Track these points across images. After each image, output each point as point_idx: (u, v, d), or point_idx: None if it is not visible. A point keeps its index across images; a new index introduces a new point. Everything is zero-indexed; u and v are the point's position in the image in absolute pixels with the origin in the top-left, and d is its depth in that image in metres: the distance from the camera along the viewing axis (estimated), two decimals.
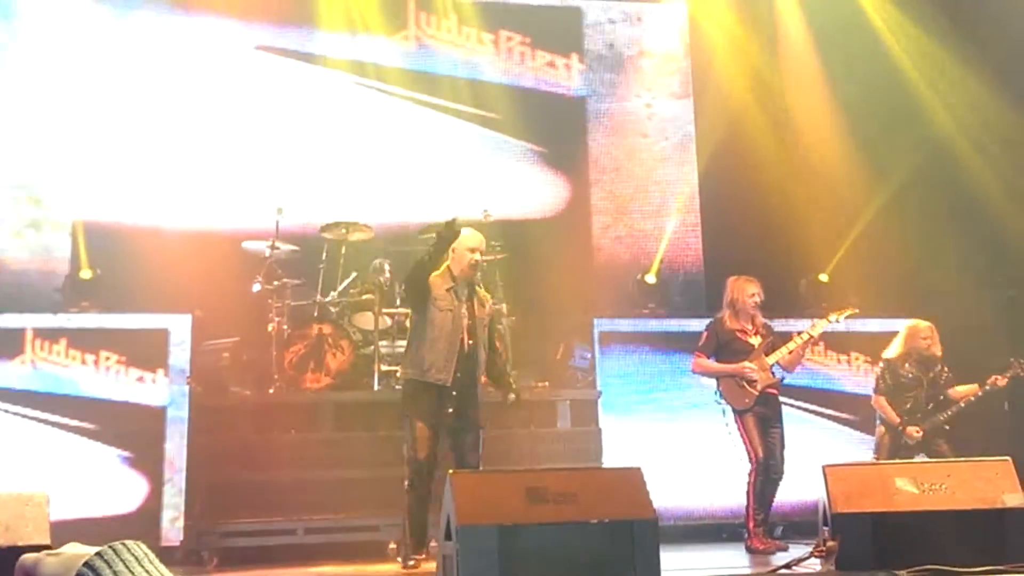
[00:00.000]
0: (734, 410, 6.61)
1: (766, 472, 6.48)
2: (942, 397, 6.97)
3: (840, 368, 8.19)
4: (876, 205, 8.71)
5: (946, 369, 7.03)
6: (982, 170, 8.54)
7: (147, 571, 1.43)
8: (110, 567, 1.37)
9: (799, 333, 6.75)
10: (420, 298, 5.81)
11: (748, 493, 6.49)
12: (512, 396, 5.92)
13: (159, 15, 9.11)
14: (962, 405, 6.91)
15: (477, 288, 6.02)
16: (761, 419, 6.54)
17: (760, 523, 6.44)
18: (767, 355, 6.62)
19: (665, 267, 9.28)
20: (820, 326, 6.77)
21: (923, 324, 7.02)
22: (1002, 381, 6.89)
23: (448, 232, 5.71)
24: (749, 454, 6.54)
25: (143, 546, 1.74)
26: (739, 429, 6.59)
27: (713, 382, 6.75)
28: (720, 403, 6.66)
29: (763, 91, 9.69)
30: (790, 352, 6.64)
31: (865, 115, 9.11)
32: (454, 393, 5.68)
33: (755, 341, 6.67)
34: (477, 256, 5.83)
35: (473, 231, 5.97)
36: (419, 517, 5.70)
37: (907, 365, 6.96)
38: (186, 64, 9.07)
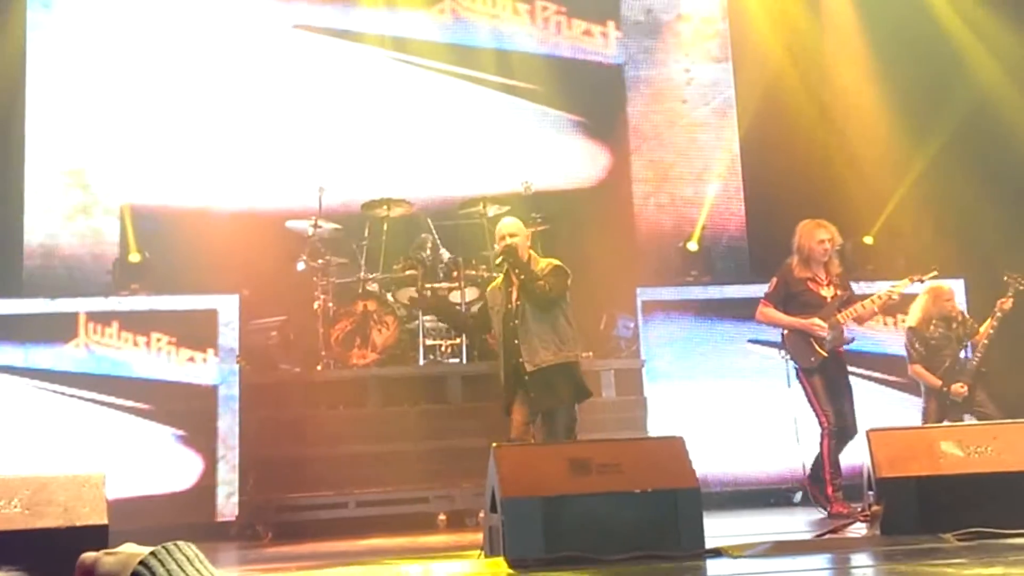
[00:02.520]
0: (799, 368, 6.23)
1: (840, 436, 6.12)
2: (970, 344, 6.94)
3: (886, 331, 8.11)
4: (920, 165, 8.57)
5: (966, 317, 6.98)
6: (1023, 131, 8.36)
7: (198, 571, 1.52)
8: (163, 565, 1.47)
9: (879, 294, 6.27)
10: (486, 325, 6.11)
11: (823, 457, 6.13)
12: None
13: None
14: (986, 342, 6.85)
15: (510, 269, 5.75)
16: (829, 380, 6.14)
17: (838, 487, 6.06)
18: (839, 311, 6.15)
19: (708, 234, 9.23)
20: (900, 287, 6.29)
21: (945, 287, 6.94)
22: (1007, 303, 6.77)
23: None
24: (818, 417, 6.16)
25: (193, 547, 1.82)
26: (805, 389, 6.21)
27: (763, 348, 6.59)
28: (784, 358, 6.31)
29: (803, 52, 9.55)
30: (864, 309, 6.17)
31: (907, 75, 8.94)
32: (525, 379, 5.57)
33: (827, 293, 6.18)
34: (505, 242, 5.71)
35: (508, 218, 6.02)
36: None
37: (932, 327, 6.89)
38: (226, 45, 9.15)
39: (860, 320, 6.26)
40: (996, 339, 6.78)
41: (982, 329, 6.94)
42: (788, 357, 6.26)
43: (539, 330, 5.58)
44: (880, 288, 6.62)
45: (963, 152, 8.54)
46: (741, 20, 9.93)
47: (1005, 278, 6.80)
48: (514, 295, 5.68)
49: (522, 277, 5.64)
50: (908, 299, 6.91)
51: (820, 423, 6.15)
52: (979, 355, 6.87)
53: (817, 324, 6.08)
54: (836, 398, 6.13)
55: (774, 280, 6.30)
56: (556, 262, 5.72)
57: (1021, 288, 6.77)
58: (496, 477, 4.30)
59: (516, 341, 5.59)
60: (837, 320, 6.12)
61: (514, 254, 5.68)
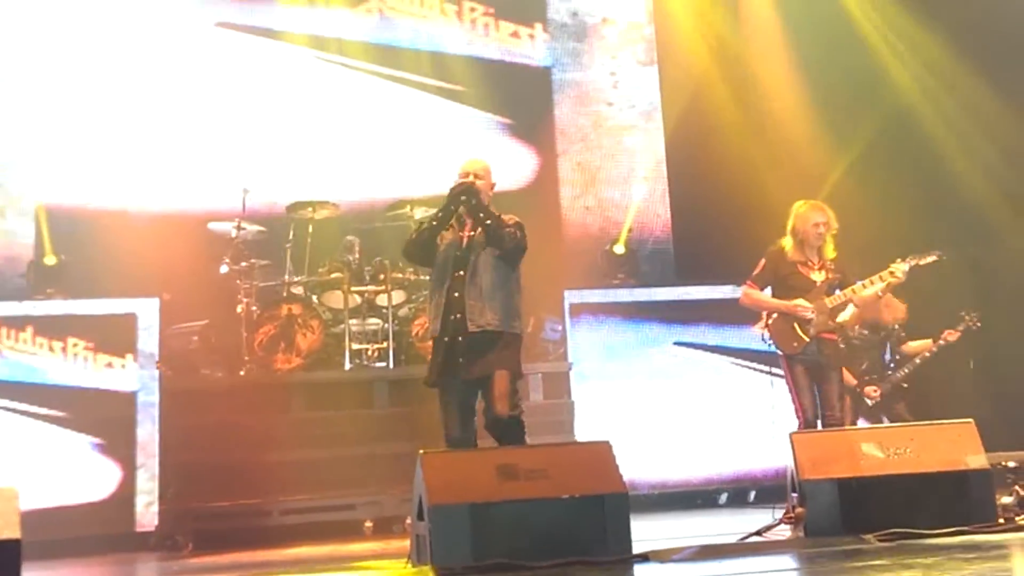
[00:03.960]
0: (782, 355, 5.86)
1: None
2: (898, 356, 7.09)
3: None
4: (840, 169, 8.74)
5: (897, 327, 7.13)
6: (942, 132, 8.60)
7: None
8: None
9: (879, 275, 5.84)
10: (424, 263, 5.20)
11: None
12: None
13: None
14: (917, 362, 7.02)
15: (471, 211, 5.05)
16: (812, 369, 5.77)
17: None
18: (828, 295, 5.81)
19: (634, 236, 9.29)
20: (906, 265, 5.82)
21: (892, 298, 7.04)
22: (953, 335, 6.99)
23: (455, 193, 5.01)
24: (796, 411, 5.78)
25: None
26: (787, 378, 5.84)
27: (689, 350, 6.52)
28: (767, 343, 5.91)
29: (726, 57, 9.68)
30: (856, 295, 5.80)
31: (827, 80, 9.13)
32: (460, 339, 4.87)
33: (818, 277, 5.84)
34: (470, 176, 5.07)
35: (469, 157, 5.33)
36: None
37: (857, 328, 7.02)
38: (147, 42, 8.92)
39: (859, 305, 5.89)
40: (936, 366, 6.90)
41: (913, 344, 7.07)
42: (771, 343, 5.90)
43: (490, 289, 4.93)
44: None
45: (884, 153, 8.74)
46: (666, 24, 10.03)
47: (962, 313, 6.97)
48: (464, 241, 5.02)
49: (487, 221, 4.95)
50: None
51: (797, 417, 5.78)
52: (906, 370, 7.01)
53: (802, 306, 5.76)
54: (821, 389, 5.76)
55: (762, 262, 5.98)
56: (516, 218, 5.12)
57: (973, 328, 6.94)
58: (423, 484, 4.27)
59: (458, 294, 4.92)
60: (824, 303, 5.78)
61: (477, 194, 5.00)
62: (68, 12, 8.80)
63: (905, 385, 7.06)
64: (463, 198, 5.01)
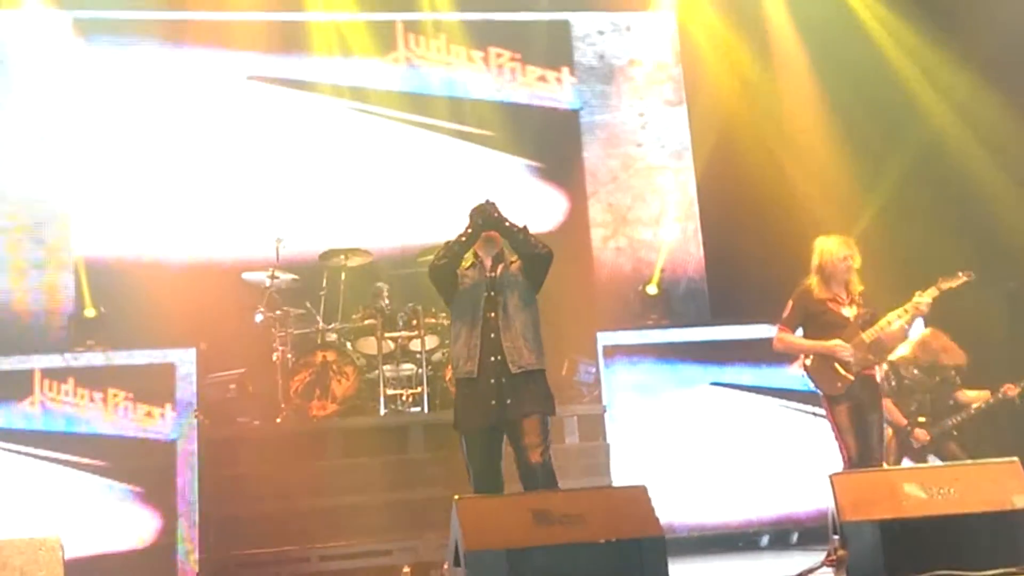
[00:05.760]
0: (824, 395, 5.73)
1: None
2: (951, 401, 6.94)
3: None
4: (875, 204, 8.69)
5: (954, 372, 6.99)
6: (979, 164, 8.53)
7: None
8: None
9: (904, 307, 5.72)
10: (448, 288, 5.17)
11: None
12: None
13: (151, 50, 9.17)
14: (972, 411, 6.87)
15: (504, 251, 5.22)
16: (856, 408, 5.64)
17: None
18: (863, 330, 5.68)
19: (667, 276, 9.29)
20: (929, 295, 5.68)
21: (946, 338, 6.89)
22: (1014, 391, 6.78)
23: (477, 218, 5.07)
24: (840, 450, 5.64)
25: None
26: (830, 419, 5.71)
27: (726, 390, 6.40)
28: (807, 383, 5.80)
29: (755, 95, 9.70)
30: (891, 326, 5.67)
31: (859, 115, 9.10)
32: (492, 381, 4.92)
33: (849, 313, 5.72)
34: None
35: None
36: None
37: (912, 368, 6.92)
38: (181, 97, 9.12)
39: (889, 340, 5.79)
40: (985, 415, 6.76)
41: (970, 393, 6.92)
42: (813, 384, 5.77)
43: (523, 327, 5.00)
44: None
45: (920, 188, 8.68)
46: (693, 64, 10.08)
47: None
48: (491, 282, 5.06)
49: (514, 230, 5.03)
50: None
51: (841, 456, 5.64)
52: (959, 419, 6.86)
53: (840, 346, 5.63)
54: (862, 429, 5.62)
55: (789, 304, 5.86)
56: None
57: None
58: (459, 530, 4.26)
59: (494, 335, 4.96)
60: (862, 340, 5.66)
61: (497, 208, 5.07)
62: (103, 69, 9.02)
63: (955, 433, 6.90)
64: (486, 214, 5.08)
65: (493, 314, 5.01)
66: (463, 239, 5.15)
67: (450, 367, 7.42)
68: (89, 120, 8.91)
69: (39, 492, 7.01)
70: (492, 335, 4.97)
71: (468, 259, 5.21)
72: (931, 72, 8.93)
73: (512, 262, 5.21)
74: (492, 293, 5.06)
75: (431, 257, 7.74)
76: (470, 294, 5.09)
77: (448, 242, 5.22)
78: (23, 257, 8.69)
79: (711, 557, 7.11)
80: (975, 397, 6.91)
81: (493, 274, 5.12)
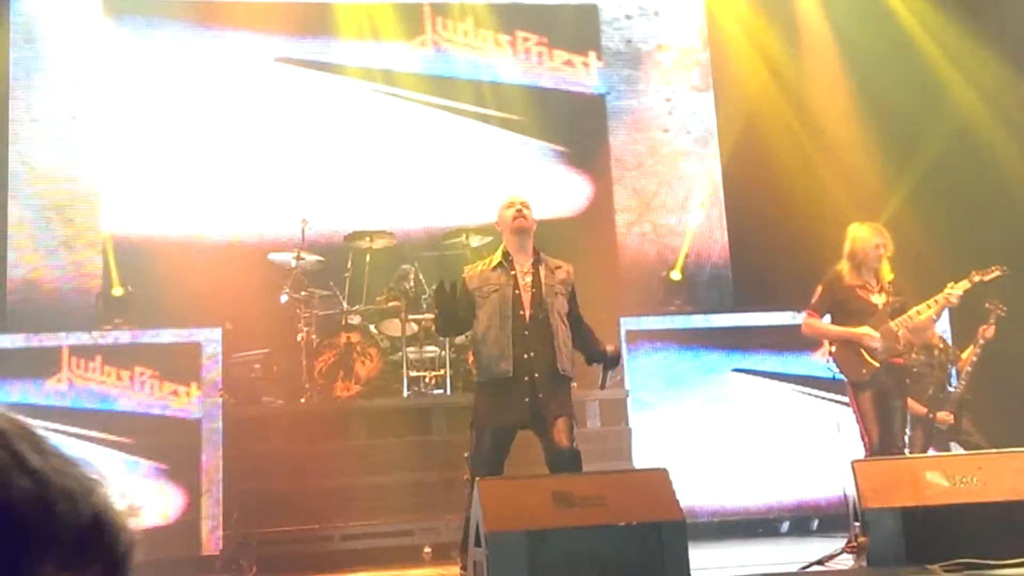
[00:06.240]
0: (849, 381, 5.76)
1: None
2: (954, 371, 6.97)
3: None
4: (902, 192, 8.63)
5: (947, 344, 7.01)
6: (1009, 153, 8.44)
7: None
8: None
9: (935, 298, 5.74)
10: (469, 320, 5.07)
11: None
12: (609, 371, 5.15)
13: (179, 31, 9.22)
14: (969, 370, 6.88)
15: (548, 257, 5.16)
16: (880, 394, 5.65)
17: None
18: (892, 318, 5.68)
19: (691, 262, 9.26)
20: (960, 287, 5.70)
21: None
22: (989, 330, 6.76)
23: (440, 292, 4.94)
24: (862, 437, 5.64)
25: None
26: (853, 405, 5.73)
27: (748, 376, 6.47)
28: (834, 371, 5.83)
29: (783, 81, 9.63)
30: (920, 316, 5.69)
31: (887, 102, 9.02)
32: (525, 378, 4.84)
33: (878, 300, 5.72)
34: (518, 207, 5.05)
35: (511, 193, 5.41)
36: None
37: (913, 356, 6.89)
38: (208, 78, 9.17)
39: (917, 330, 5.82)
40: (979, 366, 6.81)
41: (964, 355, 6.98)
42: (837, 371, 5.79)
43: (565, 336, 4.96)
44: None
45: (944, 180, 8.60)
46: (721, 49, 10.02)
47: (987, 305, 6.76)
48: (531, 284, 4.97)
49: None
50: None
51: (863, 443, 5.65)
52: (963, 383, 6.90)
53: (868, 335, 5.62)
54: (885, 416, 5.63)
55: (819, 289, 5.83)
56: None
57: (1002, 315, 6.81)
58: (480, 510, 4.29)
59: (527, 332, 4.89)
60: (890, 328, 5.65)
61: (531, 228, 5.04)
62: (133, 49, 9.07)
63: (968, 397, 6.91)
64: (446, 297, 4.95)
65: (523, 312, 4.92)
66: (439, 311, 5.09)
67: (472, 352, 7.43)
68: (119, 100, 8.97)
69: None
70: (525, 332, 4.89)
71: (490, 261, 5.13)
72: (961, 59, 8.83)
73: (558, 267, 5.11)
74: (520, 292, 4.97)
75: (456, 240, 7.91)
76: (498, 296, 4.99)
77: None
78: (52, 235, 8.77)
79: (731, 542, 7.12)
80: (967, 358, 6.92)
81: (528, 273, 5.01)
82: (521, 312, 4.92)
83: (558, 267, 5.10)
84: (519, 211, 5.04)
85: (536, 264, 5.05)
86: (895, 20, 9.22)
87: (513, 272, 5.01)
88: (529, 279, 4.99)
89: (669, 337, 8.02)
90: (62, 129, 8.83)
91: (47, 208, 8.78)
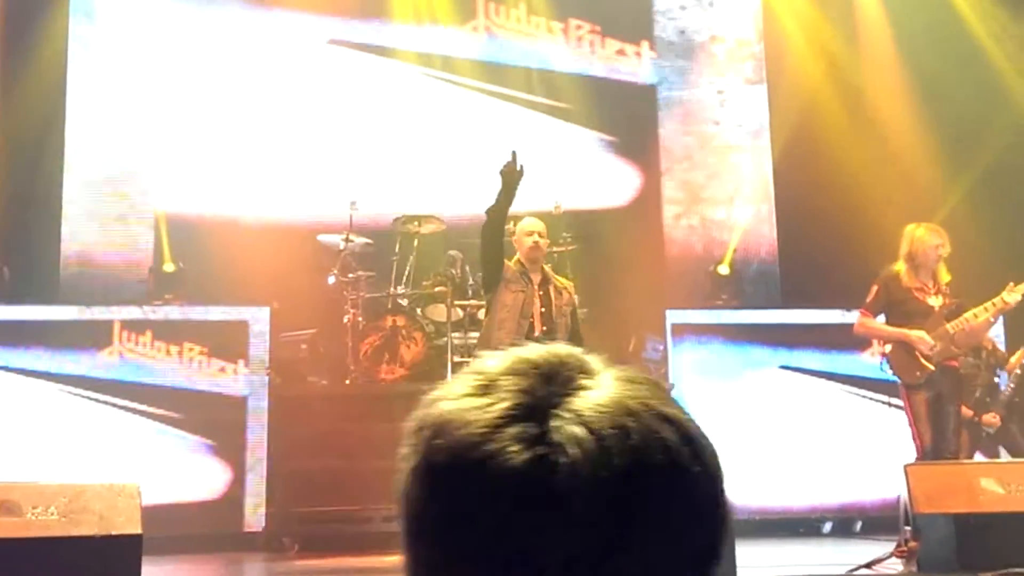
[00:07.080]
0: (903, 383, 5.71)
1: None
2: (1002, 373, 6.89)
3: None
4: (960, 191, 8.49)
5: (996, 347, 6.91)
6: None
7: None
8: None
9: (992, 301, 5.66)
10: (495, 267, 5.56)
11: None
12: None
13: (235, 10, 9.28)
14: (1019, 372, 6.78)
15: (555, 276, 5.75)
16: (934, 398, 5.58)
17: None
18: (948, 321, 5.61)
19: (739, 257, 9.19)
20: (1019, 291, 5.61)
21: None
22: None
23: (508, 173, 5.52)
24: (914, 439, 5.58)
25: None
26: (906, 407, 5.68)
27: (794, 374, 6.44)
28: (887, 372, 5.78)
29: (839, 75, 9.50)
30: (976, 319, 5.62)
31: (947, 99, 8.86)
32: None
33: (935, 302, 5.65)
34: (536, 238, 5.59)
35: (531, 217, 5.95)
36: None
37: (961, 358, 6.80)
38: (261, 58, 9.22)
39: (972, 333, 5.75)
40: None
41: (1013, 359, 6.88)
42: (891, 372, 5.76)
43: (567, 338, 5.31)
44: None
45: (1002, 181, 8.46)
46: (776, 42, 9.90)
47: (1010, 285, 6.63)
48: (540, 302, 5.48)
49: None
50: None
51: (915, 446, 5.59)
52: (1012, 385, 6.81)
53: (921, 338, 5.55)
54: (939, 419, 5.56)
55: (874, 288, 5.78)
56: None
57: None
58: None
59: (538, 335, 5.32)
60: (946, 330, 5.58)
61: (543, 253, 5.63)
62: (186, 29, 9.14)
63: (1017, 400, 6.81)
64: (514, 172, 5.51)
65: (534, 324, 5.38)
66: (502, 198, 5.54)
67: (482, 335, 7.44)
68: (174, 77, 9.04)
69: (116, 439, 7.22)
70: (536, 335, 5.29)
71: (513, 270, 5.56)
72: (1022, 57, 8.66)
73: (564, 288, 5.62)
74: (534, 309, 5.42)
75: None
76: (522, 297, 5.44)
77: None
78: (106, 210, 8.88)
79: (773, 541, 7.07)
80: (1016, 361, 6.82)
81: (539, 291, 5.49)
82: (532, 323, 5.40)
83: (564, 288, 5.60)
84: (536, 242, 5.56)
85: (545, 283, 5.56)
86: (955, 15, 9.05)
87: (530, 287, 5.51)
88: (540, 296, 5.48)
89: (715, 331, 7.98)
90: (118, 105, 8.92)
91: (102, 183, 8.89)
